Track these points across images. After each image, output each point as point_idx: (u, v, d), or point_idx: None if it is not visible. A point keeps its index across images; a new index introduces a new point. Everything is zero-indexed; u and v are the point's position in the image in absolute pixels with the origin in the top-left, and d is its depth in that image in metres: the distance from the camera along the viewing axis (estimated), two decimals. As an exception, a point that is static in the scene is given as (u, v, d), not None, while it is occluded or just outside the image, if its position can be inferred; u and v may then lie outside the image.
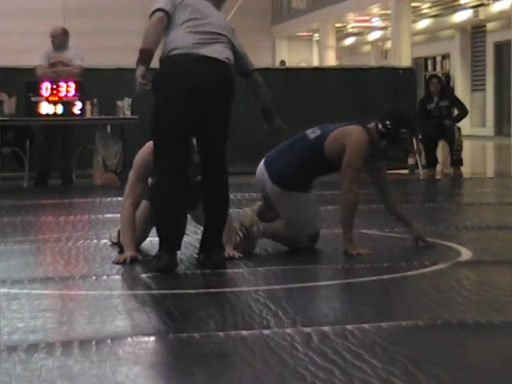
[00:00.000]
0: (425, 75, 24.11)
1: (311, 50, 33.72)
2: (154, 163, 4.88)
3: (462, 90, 23.46)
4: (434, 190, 10.18)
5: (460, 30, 24.96)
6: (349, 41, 33.05)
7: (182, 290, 4.35)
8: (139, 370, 3.04)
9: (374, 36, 30.70)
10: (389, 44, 25.37)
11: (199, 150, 4.91)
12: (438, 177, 10.99)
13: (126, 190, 5.21)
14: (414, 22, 24.44)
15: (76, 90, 10.00)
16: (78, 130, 10.42)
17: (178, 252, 4.87)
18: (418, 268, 4.81)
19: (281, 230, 5.41)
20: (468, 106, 12.23)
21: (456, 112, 11.22)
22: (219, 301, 4.09)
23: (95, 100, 10.17)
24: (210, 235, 4.92)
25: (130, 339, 3.39)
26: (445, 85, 11.58)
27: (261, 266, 4.93)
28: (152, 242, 5.51)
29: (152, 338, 3.44)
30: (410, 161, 11.08)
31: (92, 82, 10.18)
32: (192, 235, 5.64)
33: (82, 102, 10.04)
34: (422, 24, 26.25)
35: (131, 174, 5.22)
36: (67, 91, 9.99)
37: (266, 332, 3.46)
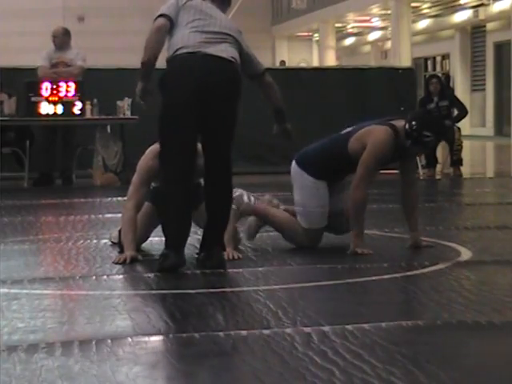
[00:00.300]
0: (425, 75, 24.10)
1: (311, 50, 33.73)
2: (160, 163, 4.88)
3: (461, 90, 23.46)
4: (433, 190, 10.18)
5: (460, 30, 24.97)
6: (349, 41, 33.06)
7: (182, 290, 4.35)
8: (139, 370, 3.04)
9: (373, 36, 30.70)
10: (389, 44, 25.38)
11: (204, 149, 4.90)
12: (437, 177, 10.99)
13: (129, 192, 5.22)
14: (414, 22, 24.45)
15: (76, 90, 10.00)
16: (78, 130, 10.42)
17: (179, 252, 4.86)
18: (418, 268, 4.81)
19: (285, 219, 5.50)
20: (468, 106, 12.24)
21: (456, 112, 11.22)
22: (219, 301, 4.09)
23: (95, 100, 10.17)
24: (211, 235, 4.92)
25: (130, 339, 3.39)
26: (444, 85, 11.58)
27: (261, 266, 4.93)
28: (152, 241, 5.52)
29: (152, 338, 3.44)
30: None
31: (92, 82, 10.19)
32: (192, 235, 5.62)
33: (82, 102, 10.04)
34: (422, 24, 26.25)
35: (135, 178, 5.24)
36: (67, 91, 9.99)
37: (266, 332, 3.47)
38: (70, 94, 10.01)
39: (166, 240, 4.80)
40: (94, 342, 3.32)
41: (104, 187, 9.86)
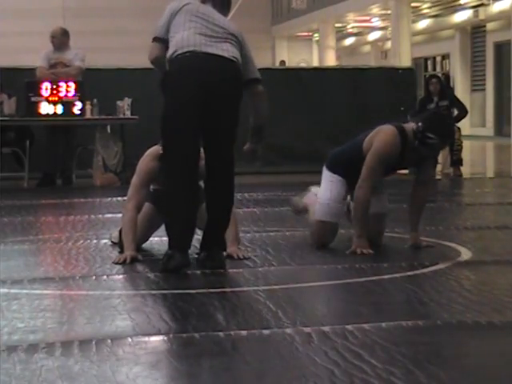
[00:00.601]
0: (425, 75, 24.09)
1: (311, 50, 33.72)
2: (162, 163, 4.87)
3: (461, 90, 23.46)
4: (434, 190, 10.16)
5: (460, 30, 24.96)
6: (349, 41, 33.05)
7: (183, 290, 4.35)
8: (139, 370, 3.04)
9: (373, 36, 30.70)
10: (389, 44, 25.37)
11: (206, 149, 4.89)
12: (437, 177, 10.99)
13: (129, 193, 5.22)
14: (414, 22, 24.44)
15: (76, 90, 10.00)
16: (77, 130, 10.42)
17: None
18: (418, 268, 4.81)
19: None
20: (468, 106, 12.23)
21: (456, 112, 11.21)
22: (219, 301, 4.09)
23: (95, 100, 10.17)
24: (211, 235, 4.92)
25: (130, 339, 3.39)
26: (444, 85, 11.57)
27: (261, 266, 4.94)
28: (152, 241, 5.52)
29: (152, 338, 3.44)
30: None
31: (92, 82, 10.18)
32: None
33: (82, 102, 10.04)
34: (422, 24, 26.25)
35: (135, 179, 5.24)
36: (67, 91, 9.99)
37: (266, 332, 3.47)
38: (69, 94, 10.00)
39: (169, 240, 4.79)
40: (93, 342, 3.32)
41: (104, 187, 9.86)
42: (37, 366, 3.06)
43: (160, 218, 5.15)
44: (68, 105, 9.99)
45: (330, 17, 27.04)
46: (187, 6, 4.92)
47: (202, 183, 5.02)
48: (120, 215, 5.49)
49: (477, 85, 24.46)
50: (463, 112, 11.19)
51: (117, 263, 4.98)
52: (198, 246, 5.11)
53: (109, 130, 10.48)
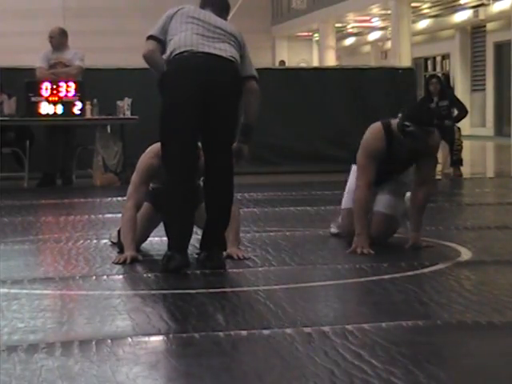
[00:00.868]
0: (425, 75, 24.09)
1: (311, 50, 33.71)
2: (162, 164, 4.86)
3: (462, 90, 23.45)
4: (434, 190, 10.16)
5: (460, 30, 24.96)
6: (349, 41, 33.05)
7: (182, 290, 4.34)
8: (139, 370, 3.04)
9: (373, 36, 30.69)
10: (389, 44, 25.37)
11: (205, 149, 4.88)
12: (438, 177, 10.98)
13: (128, 192, 5.21)
14: (414, 22, 24.43)
15: (76, 90, 10.00)
16: (77, 130, 10.42)
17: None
18: (418, 268, 4.81)
19: None
20: (468, 106, 12.23)
21: (456, 112, 11.21)
22: (219, 301, 4.09)
23: (95, 100, 10.17)
24: (211, 235, 4.92)
25: (130, 339, 3.39)
26: (444, 85, 11.56)
27: (261, 266, 4.93)
28: (152, 242, 5.52)
29: (152, 338, 3.44)
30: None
31: (92, 82, 10.18)
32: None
33: (82, 102, 10.04)
34: (422, 24, 26.25)
35: (134, 177, 5.23)
36: (67, 91, 9.99)
37: (266, 332, 3.47)
38: (70, 94, 10.00)
39: (169, 241, 4.79)
40: (93, 342, 3.32)
41: (104, 187, 9.86)
42: (37, 366, 3.06)
43: (159, 217, 5.15)
44: (68, 105, 9.99)
45: (330, 17, 27.04)
46: (182, 9, 4.94)
47: (201, 182, 5.02)
48: (120, 215, 5.49)
49: (477, 85, 24.46)
50: (463, 112, 11.18)
51: (117, 263, 4.98)
52: (197, 245, 5.11)
53: (109, 130, 10.47)
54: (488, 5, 22.64)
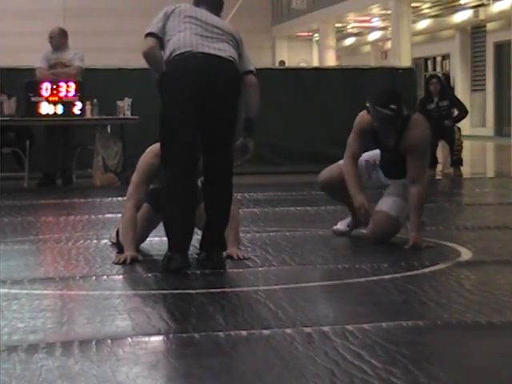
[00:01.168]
0: (425, 75, 24.10)
1: (311, 50, 33.72)
2: (161, 164, 4.86)
3: (462, 90, 23.46)
4: (434, 190, 10.18)
5: (460, 31, 24.97)
6: (349, 41, 33.06)
7: (182, 290, 4.34)
8: (139, 370, 3.04)
9: (374, 36, 30.70)
10: (389, 44, 25.38)
11: (205, 150, 4.88)
12: (438, 177, 10.99)
13: (128, 192, 5.21)
14: (414, 22, 24.44)
15: (76, 90, 10.00)
16: (77, 130, 10.42)
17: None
18: (418, 268, 4.81)
19: None
20: (468, 106, 12.23)
21: (456, 112, 11.21)
22: (219, 301, 4.09)
23: (95, 100, 10.17)
24: (210, 235, 4.92)
25: (130, 339, 3.39)
26: (445, 85, 11.57)
27: (261, 266, 4.93)
28: (152, 242, 5.52)
29: (152, 338, 3.44)
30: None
31: (92, 82, 10.18)
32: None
33: (82, 102, 10.04)
34: (422, 24, 26.26)
35: (135, 177, 5.23)
36: (67, 91, 9.99)
37: (266, 332, 3.47)
38: (70, 94, 10.00)
39: (169, 241, 4.78)
40: (93, 342, 3.32)
41: (104, 187, 9.86)
42: (37, 366, 3.06)
43: (158, 217, 5.14)
44: (68, 105, 9.99)
45: (330, 17, 27.04)
46: (179, 8, 4.92)
47: (200, 182, 5.01)
48: (120, 215, 5.49)
49: (477, 85, 24.46)
50: (463, 112, 11.19)
51: (117, 263, 4.98)
52: (197, 245, 5.11)
53: (109, 130, 10.47)
54: (488, 5, 22.65)
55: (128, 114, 10.21)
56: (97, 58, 14.44)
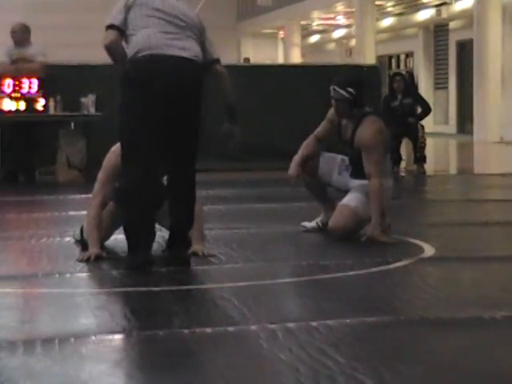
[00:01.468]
0: (389, 73, 24.24)
1: (276, 47, 33.75)
2: (122, 163, 4.82)
3: (425, 88, 23.63)
4: (397, 187, 10.23)
5: (423, 29, 25.15)
6: (314, 38, 33.14)
7: (147, 288, 4.33)
8: (103, 368, 3.02)
9: (338, 34, 30.82)
10: (353, 42, 25.48)
11: (168, 151, 4.84)
12: (401, 174, 11.06)
13: (94, 189, 5.18)
14: (378, 20, 24.57)
15: (39, 86, 9.91)
16: (41, 126, 10.32)
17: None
18: (382, 264, 4.84)
19: None
20: (431, 104, 12.32)
21: (419, 110, 11.29)
22: (184, 298, 4.08)
23: (58, 97, 10.09)
24: (176, 234, 4.90)
25: (93, 337, 3.36)
26: (408, 83, 11.64)
27: (226, 263, 4.93)
28: (117, 239, 5.48)
29: (116, 336, 3.42)
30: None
31: (55, 78, 10.09)
32: (157, 232, 5.60)
33: (46, 98, 9.95)
34: (386, 22, 26.41)
35: (101, 174, 5.19)
36: (30, 88, 9.89)
37: (231, 329, 3.46)
38: (32, 91, 9.91)
39: (130, 241, 4.73)
40: (56, 341, 3.30)
41: (67, 184, 9.78)
42: (-1, 365, 3.03)
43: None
44: (31, 101, 9.89)
45: (295, 14, 27.10)
46: None
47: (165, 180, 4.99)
48: (84, 213, 5.45)
49: (440, 83, 24.66)
50: (427, 110, 11.27)
51: (81, 261, 4.95)
52: (162, 243, 5.10)
53: (72, 127, 10.39)
54: (450, 4, 22.85)
55: (92, 110, 10.13)
56: (60, 53, 14.33)
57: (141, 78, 4.72)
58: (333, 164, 5.94)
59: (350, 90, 5.74)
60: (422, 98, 11.56)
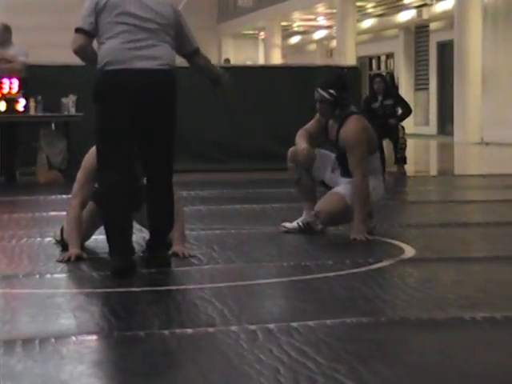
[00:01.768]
0: (369, 74, 24.32)
1: (257, 48, 33.78)
2: (97, 168, 4.79)
3: (405, 89, 23.73)
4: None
5: (404, 30, 25.25)
6: (294, 39, 33.19)
7: (127, 288, 4.32)
8: (83, 369, 3.02)
9: (319, 35, 30.88)
10: (334, 43, 25.55)
11: (143, 158, 4.82)
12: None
13: (73, 190, 5.16)
14: (359, 21, 24.67)
15: (19, 86, 9.87)
16: (21, 127, 10.28)
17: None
18: (363, 265, 4.86)
19: None
20: (412, 105, 12.37)
21: (400, 111, 11.33)
22: (164, 299, 4.08)
23: (39, 97, 10.05)
24: (155, 235, 4.89)
25: (74, 338, 3.36)
26: (389, 84, 11.67)
27: (206, 263, 4.93)
28: (97, 240, 5.47)
29: (96, 337, 3.42)
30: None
31: (36, 78, 10.05)
32: (137, 233, 5.60)
33: (26, 98, 9.91)
34: (367, 23, 26.50)
35: (80, 175, 5.17)
36: (10, 88, 9.85)
37: (211, 330, 3.47)
38: (13, 91, 9.86)
39: (111, 246, 4.70)
40: (37, 341, 3.29)
41: (48, 185, 9.75)
42: (-21, 366, 3.01)
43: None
44: (11, 101, 9.85)
45: (276, 15, 27.13)
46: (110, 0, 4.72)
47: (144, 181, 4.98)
48: (64, 213, 5.44)
49: (420, 84, 24.77)
50: (407, 111, 11.31)
51: (61, 261, 4.93)
52: (142, 244, 5.09)
53: (53, 128, 10.35)
54: (431, 5, 22.96)
55: (72, 111, 10.11)
56: (41, 53, 14.26)
57: (109, 91, 4.69)
58: (327, 161, 5.99)
59: (331, 91, 5.78)
60: (402, 99, 11.60)
